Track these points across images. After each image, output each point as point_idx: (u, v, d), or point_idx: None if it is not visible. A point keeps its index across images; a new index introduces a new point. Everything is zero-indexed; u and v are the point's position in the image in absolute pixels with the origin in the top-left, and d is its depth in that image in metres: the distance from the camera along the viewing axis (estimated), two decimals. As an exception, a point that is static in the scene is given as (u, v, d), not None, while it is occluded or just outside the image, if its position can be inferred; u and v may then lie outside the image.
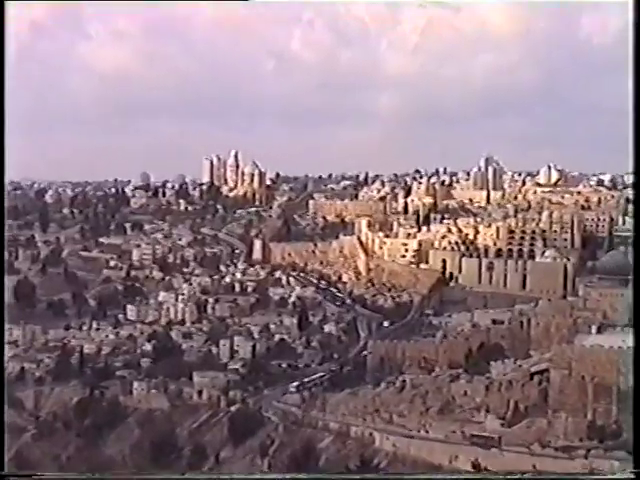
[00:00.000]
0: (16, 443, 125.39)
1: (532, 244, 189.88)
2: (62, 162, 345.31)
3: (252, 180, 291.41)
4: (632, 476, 60.18)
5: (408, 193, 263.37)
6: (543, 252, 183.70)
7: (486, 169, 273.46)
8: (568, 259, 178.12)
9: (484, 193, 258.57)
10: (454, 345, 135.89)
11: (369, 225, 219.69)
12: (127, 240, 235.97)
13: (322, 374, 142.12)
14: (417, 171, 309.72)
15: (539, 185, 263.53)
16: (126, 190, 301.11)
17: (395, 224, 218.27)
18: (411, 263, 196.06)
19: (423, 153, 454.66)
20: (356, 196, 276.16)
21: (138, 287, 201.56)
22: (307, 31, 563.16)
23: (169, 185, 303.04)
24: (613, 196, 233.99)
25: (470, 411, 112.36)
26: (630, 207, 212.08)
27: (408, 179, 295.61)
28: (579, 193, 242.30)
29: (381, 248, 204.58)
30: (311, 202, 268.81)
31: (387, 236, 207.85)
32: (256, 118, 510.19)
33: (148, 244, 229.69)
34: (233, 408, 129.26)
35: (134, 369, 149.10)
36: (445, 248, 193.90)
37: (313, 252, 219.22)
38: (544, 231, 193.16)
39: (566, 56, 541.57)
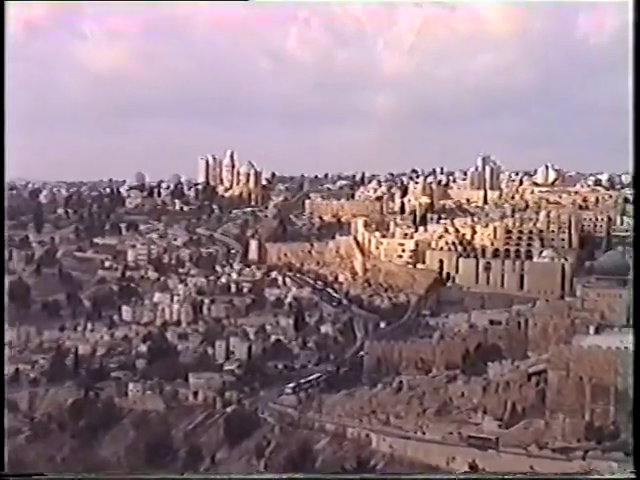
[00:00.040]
0: (10, 445, 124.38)
1: (529, 244, 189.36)
2: (57, 162, 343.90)
3: (248, 180, 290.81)
4: (632, 476, 59.81)
5: (405, 193, 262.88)
6: (541, 252, 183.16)
7: (483, 169, 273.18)
8: (566, 259, 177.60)
9: (481, 193, 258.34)
10: (451, 346, 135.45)
11: (366, 225, 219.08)
12: (122, 240, 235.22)
13: (318, 375, 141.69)
14: (414, 171, 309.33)
15: (536, 185, 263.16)
16: (121, 190, 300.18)
17: (392, 224, 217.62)
18: (408, 263, 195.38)
19: (420, 153, 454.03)
20: (352, 196, 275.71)
21: (133, 288, 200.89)
22: (303, 31, 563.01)
23: (164, 185, 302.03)
24: (611, 196, 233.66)
25: (467, 412, 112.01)
26: (628, 207, 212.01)
27: (405, 179, 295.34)
28: (577, 193, 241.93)
29: (378, 248, 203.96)
30: (307, 202, 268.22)
31: (384, 236, 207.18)
32: (252, 118, 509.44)
33: (143, 244, 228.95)
34: (229, 409, 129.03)
35: (129, 370, 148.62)
36: (442, 248, 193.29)
37: (309, 252, 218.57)
38: (541, 231, 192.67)
39: (562, 56, 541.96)
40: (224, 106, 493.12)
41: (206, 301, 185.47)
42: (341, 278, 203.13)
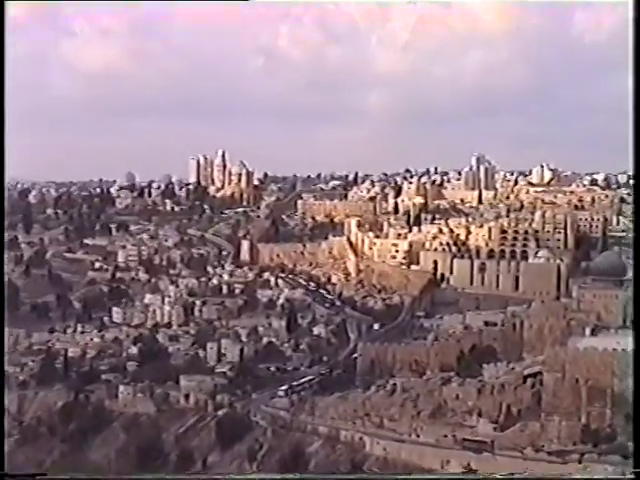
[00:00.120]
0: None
1: (525, 245, 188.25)
2: (46, 162, 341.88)
3: (239, 180, 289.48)
4: (632, 476, 59.03)
5: (398, 193, 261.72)
6: (536, 253, 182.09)
7: (478, 168, 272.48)
8: (561, 260, 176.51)
9: (476, 193, 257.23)
10: (445, 347, 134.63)
11: (359, 225, 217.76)
12: (112, 241, 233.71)
13: (311, 377, 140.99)
14: (407, 170, 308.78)
15: (532, 185, 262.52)
16: (111, 190, 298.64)
17: (385, 224, 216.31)
18: (402, 264, 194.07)
19: (413, 152, 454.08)
20: (345, 196, 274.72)
21: (124, 289, 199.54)
22: (296, 29, 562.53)
23: (155, 185, 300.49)
24: (607, 196, 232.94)
25: (462, 415, 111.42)
26: (624, 207, 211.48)
27: (398, 179, 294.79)
28: (572, 193, 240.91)
29: (371, 249, 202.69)
30: (300, 202, 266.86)
31: (377, 237, 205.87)
32: (244, 117, 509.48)
33: (134, 245, 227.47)
34: (221, 412, 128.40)
35: (120, 373, 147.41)
36: (436, 249, 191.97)
37: (302, 253, 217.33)
38: (537, 231, 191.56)
39: (558, 54, 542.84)
40: (215, 105, 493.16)
41: (197, 302, 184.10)
42: (334, 279, 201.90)
